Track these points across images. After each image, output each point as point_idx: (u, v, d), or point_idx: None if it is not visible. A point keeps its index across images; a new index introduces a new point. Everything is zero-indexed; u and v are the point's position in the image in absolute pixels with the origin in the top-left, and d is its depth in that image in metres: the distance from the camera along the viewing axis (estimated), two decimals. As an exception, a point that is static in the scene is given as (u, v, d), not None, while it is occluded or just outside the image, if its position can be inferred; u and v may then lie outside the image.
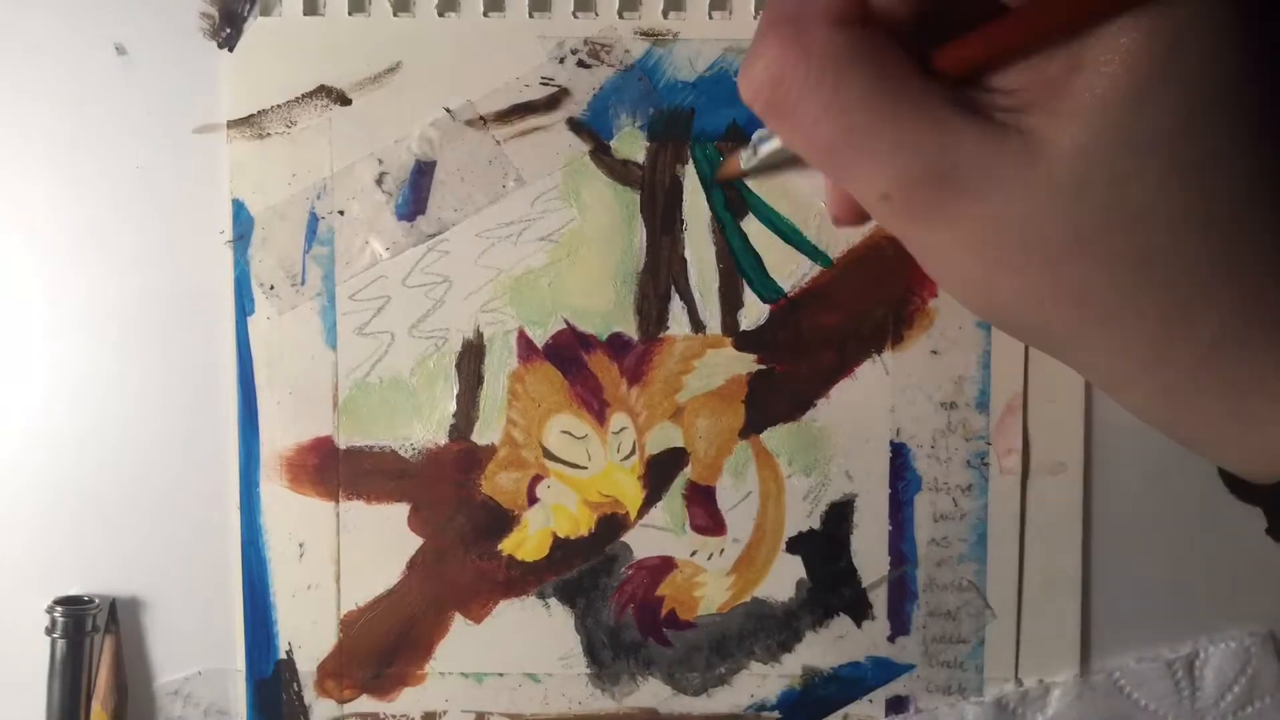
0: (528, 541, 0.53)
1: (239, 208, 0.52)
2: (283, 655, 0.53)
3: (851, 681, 0.53)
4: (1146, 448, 0.53)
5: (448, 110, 0.51)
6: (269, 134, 0.51)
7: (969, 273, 0.30)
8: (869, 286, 0.52)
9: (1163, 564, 0.53)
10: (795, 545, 0.53)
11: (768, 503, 0.53)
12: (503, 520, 0.53)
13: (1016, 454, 0.52)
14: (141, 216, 0.52)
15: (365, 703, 0.54)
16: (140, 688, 0.53)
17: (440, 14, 0.51)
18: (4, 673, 0.53)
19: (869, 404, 0.52)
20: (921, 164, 0.28)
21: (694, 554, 0.53)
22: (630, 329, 0.52)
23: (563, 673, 0.53)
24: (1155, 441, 0.53)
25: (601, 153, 0.52)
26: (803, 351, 0.52)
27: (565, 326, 0.52)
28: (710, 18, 0.51)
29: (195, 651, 0.53)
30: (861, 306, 0.52)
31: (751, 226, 0.52)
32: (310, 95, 0.51)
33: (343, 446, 0.53)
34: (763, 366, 0.52)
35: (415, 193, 0.52)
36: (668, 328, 0.52)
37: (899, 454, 0.53)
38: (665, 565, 0.53)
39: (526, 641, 0.53)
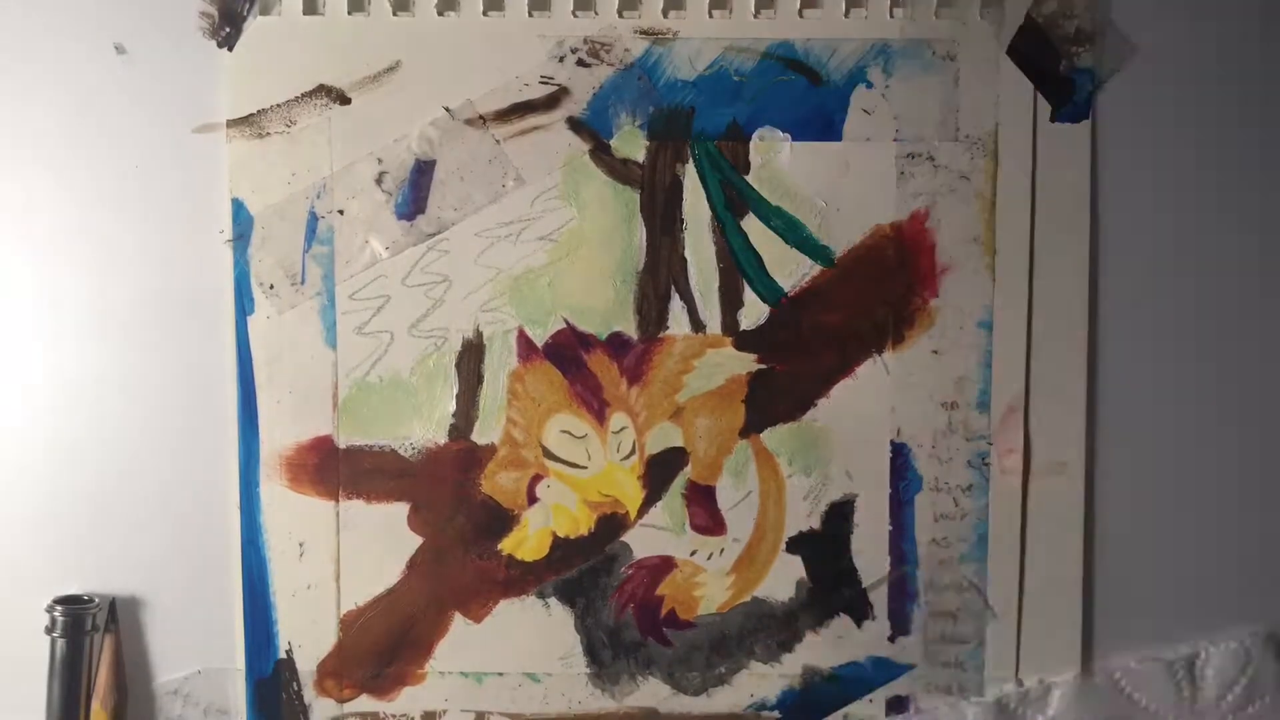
0: (528, 541, 0.53)
1: (239, 207, 0.52)
2: (282, 655, 0.53)
3: (852, 681, 0.53)
4: (1147, 448, 0.53)
5: (447, 110, 0.51)
6: (268, 133, 0.51)
7: None
8: (870, 286, 0.52)
9: (1163, 564, 0.53)
10: (795, 545, 0.53)
11: (768, 502, 0.53)
12: (503, 520, 0.53)
13: (1017, 454, 0.52)
14: (141, 216, 0.52)
15: (365, 702, 0.54)
16: (140, 687, 0.53)
17: (440, 13, 0.51)
18: (4, 672, 0.53)
19: (869, 404, 0.52)
20: None
21: (694, 554, 0.53)
22: (630, 329, 0.52)
23: (563, 672, 0.53)
24: (1156, 442, 0.53)
25: (601, 152, 0.52)
26: (803, 351, 0.52)
27: (565, 326, 0.52)
28: (710, 17, 0.51)
29: (195, 651, 0.53)
30: (862, 306, 0.52)
31: (751, 226, 0.52)
32: (310, 95, 0.51)
33: (343, 446, 0.53)
34: (763, 366, 0.52)
35: (415, 192, 0.52)
36: (668, 327, 0.52)
37: (899, 454, 0.52)
38: (665, 565, 0.53)
39: (526, 641, 0.53)
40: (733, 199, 0.52)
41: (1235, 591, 0.53)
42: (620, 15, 0.51)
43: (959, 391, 0.52)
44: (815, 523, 0.53)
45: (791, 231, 0.52)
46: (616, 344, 0.52)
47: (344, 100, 0.51)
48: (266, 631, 0.53)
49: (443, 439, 0.52)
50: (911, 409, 0.52)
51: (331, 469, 0.53)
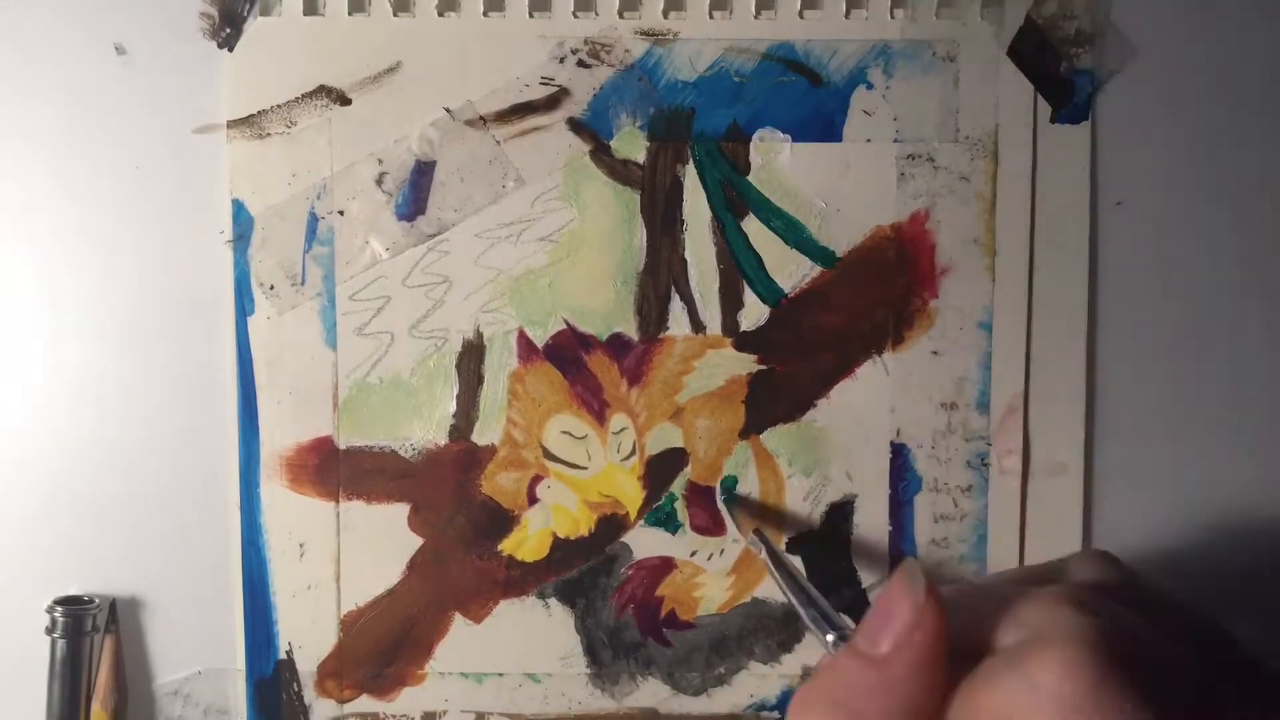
0: (528, 541, 0.53)
1: (239, 208, 0.52)
2: (283, 655, 0.53)
3: (851, 682, 0.53)
4: (1147, 449, 0.53)
5: (448, 110, 0.51)
6: (269, 134, 0.51)
7: None
8: (869, 287, 0.52)
9: (1163, 567, 0.53)
10: (795, 545, 0.53)
11: (768, 503, 0.53)
12: (503, 520, 0.53)
13: (1017, 455, 0.52)
14: (141, 216, 0.52)
15: (365, 703, 0.54)
16: (140, 688, 0.53)
17: (440, 14, 0.51)
18: (4, 673, 0.53)
19: (869, 404, 0.52)
20: None
21: (694, 554, 0.53)
22: (630, 329, 0.52)
23: (563, 673, 0.53)
24: (1156, 443, 0.54)
25: (601, 153, 0.52)
26: (803, 352, 0.52)
27: (565, 327, 0.52)
28: (710, 17, 0.51)
29: (195, 651, 0.53)
30: (862, 307, 0.52)
31: (751, 226, 0.52)
32: (310, 95, 0.51)
33: (343, 446, 0.53)
34: (763, 367, 0.52)
35: (415, 193, 0.52)
36: (668, 328, 0.52)
37: (899, 454, 0.53)
38: (665, 565, 0.53)
39: (526, 641, 0.53)
40: (733, 200, 0.52)
41: (1235, 593, 0.53)
42: (621, 16, 0.51)
43: (959, 392, 0.52)
44: (815, 523, 0.53)
45: (792, 232, 0.52)
46: (617, 345, 0.52)
47: (344, 101, 0.51)
48: (267, 632, 0.53)
49: (443, 440, 0.53)
50: (911, 410, 0.52)
51: (332, 470, 0.53)
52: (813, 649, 0.53)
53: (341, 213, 0.52)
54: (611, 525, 0.53)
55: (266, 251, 0.52)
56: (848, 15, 0.51)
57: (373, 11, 0.51)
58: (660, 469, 0.53)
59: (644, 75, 0.51)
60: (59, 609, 0.51)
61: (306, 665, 0.53)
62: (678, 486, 0.53)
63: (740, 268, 0.52)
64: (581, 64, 0.51)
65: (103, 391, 0.53)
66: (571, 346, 0.52)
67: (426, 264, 0.52)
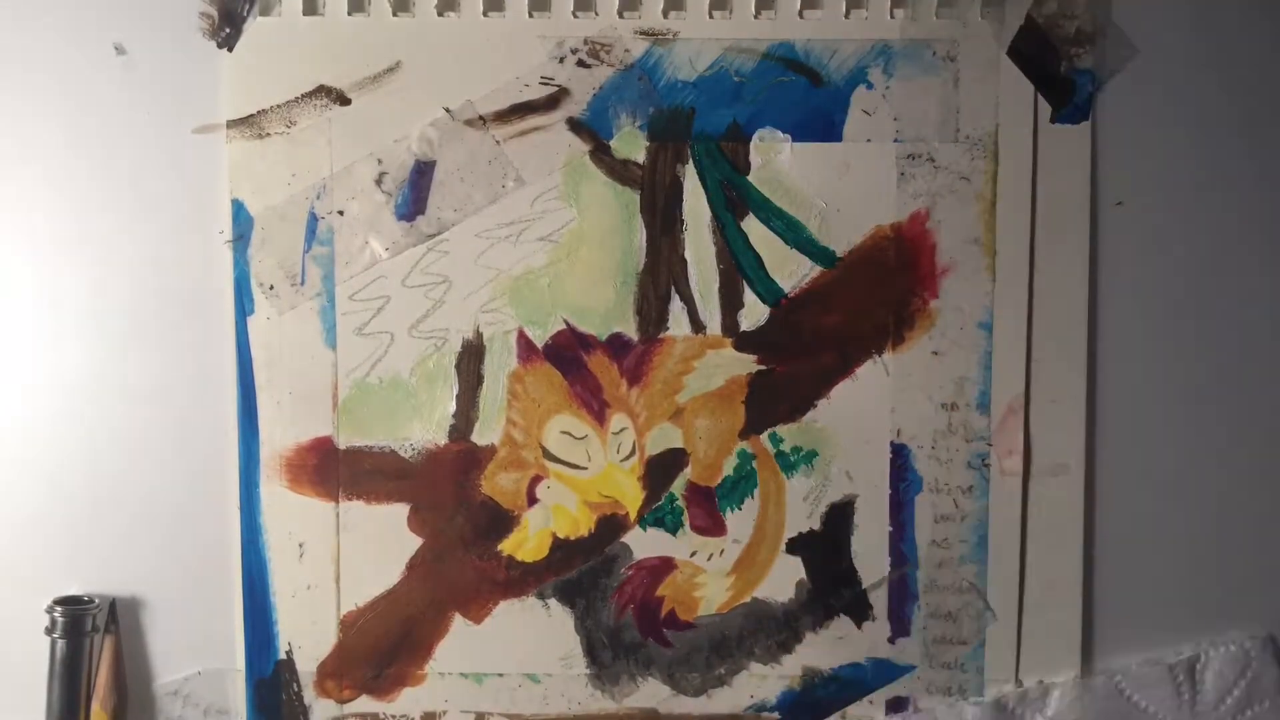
0: (528, 542, 0.53)
1: (239, 208, 0.52)
2: (282, 655, 0.53)
3: (851, 682, 0.53)
4: (1148, 450, 0.53)
5: (447, 110, 0.51)
6: (268, 134, 0.51)
7: None
8: (870, 287, 0.52)
9: (1164, 566, 0.53)
10: (795, 546, 0.53)
11: (768, 504, 0.53)
12: (503, 520, 0.53)
13: (1018, 455, 0.52)
14: (141, 217, 0.52)
15: (365, 703, 0.54)
16: (140, 688, 0.53)
17: (440, 14, 0.51)
18: (4, 673, 0.53)
19: (869, 405, 0.52)
20: None
21: (694, 554, 0.53)
22: (630, 329, 0.52)
23: (563, 673, 0.53)
24: (1157, 443, 0.53)
25: (601, 153, 0.51)
26: (803, 352, 0.52)
27: (565, 327, 0.52)
28: (710, 17, 0.51)
29: (195, 651, 0.53)
30: (862, 307, 0.52)
31: (752, 227, 0.52)
32: (310, 95, 0.51)
33: (342, 447, 0.53)
34: (763, 367, 0.52)
35: (415, 193, 0.52)
36: (667, 328, 0.52)
37: (899, 455, 0.52)
38: (665, 565, 0.53)
39: (526, 642, 0.53)
40: (733, 200, 0.52)
41: (1235, 594, 0.53)
42: (620, 16, 0.51)
43: (959, 392, 0.52)
44: (815, 523, 0.53)
45: (792, 232, 0.52)
46: (616, 345, 0.52)
47: (344, 101, 0.51)
48: (266, 632, 0.53)
49: (443, 440, 0.52)
50: (911, 410, 0.52)
51: (331, 470, 0.53)
52: (813, 649, 0.53)
53: (341, 213, 0.52)
54: (611, 525, 0.53)
55: (266, 251, 0.52)
56: (848, 15, 0.51)
57: (372, 11, 0.51)
58: (660, 469, 0.53)
59: (644, 75, 0.51)
60: (59, 609, 0.51)
61: (306, 665, 0.53)
62: (677, 487, 0.53)
63: (740, 268, 0.52)
64: (581, 64, 0.51)
65: (102, 391, 0.53)
66: (571, 346, 0.52)
67: (426, 264, 0.52)
